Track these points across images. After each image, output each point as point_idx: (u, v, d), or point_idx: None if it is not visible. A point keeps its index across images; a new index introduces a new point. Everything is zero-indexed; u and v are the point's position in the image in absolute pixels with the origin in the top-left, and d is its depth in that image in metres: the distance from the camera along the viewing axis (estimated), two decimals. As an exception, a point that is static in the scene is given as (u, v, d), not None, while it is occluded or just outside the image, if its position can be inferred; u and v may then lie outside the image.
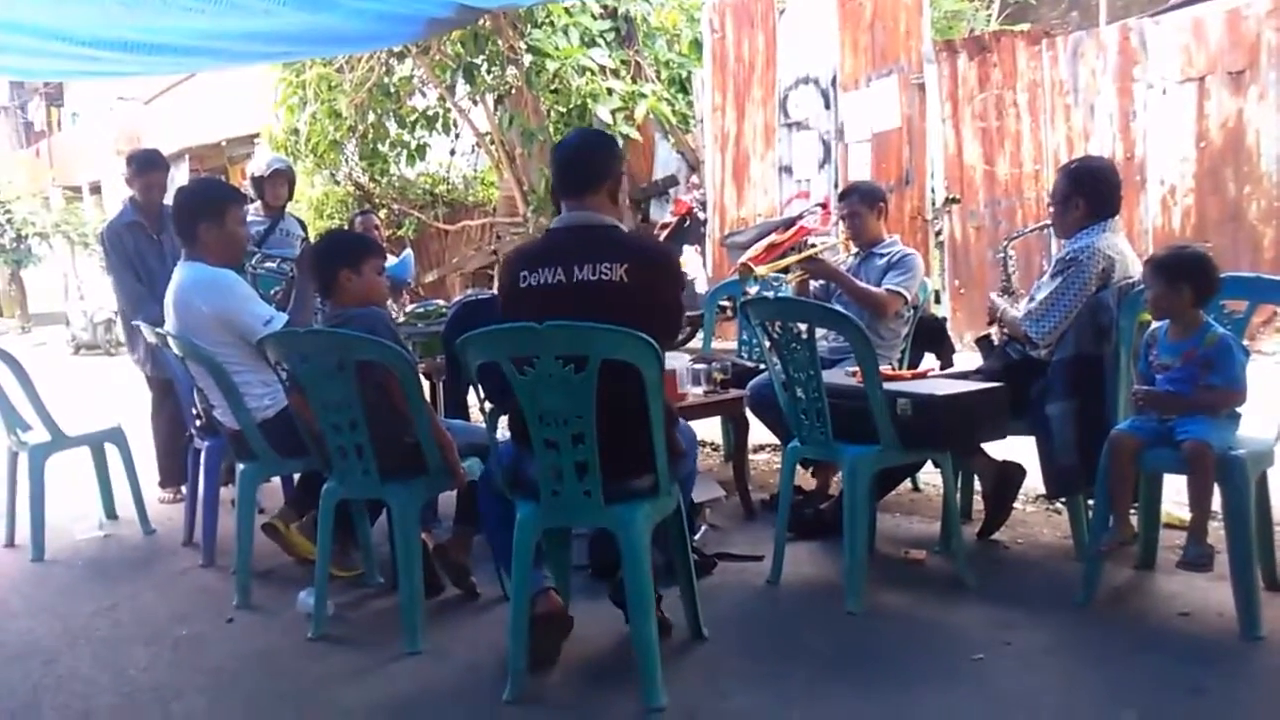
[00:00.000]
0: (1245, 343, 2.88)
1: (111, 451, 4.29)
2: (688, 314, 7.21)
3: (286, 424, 3.21)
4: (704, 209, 8.74)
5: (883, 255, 4.07)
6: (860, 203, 4.11)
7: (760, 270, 4.19)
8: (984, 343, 3.66)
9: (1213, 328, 2.78)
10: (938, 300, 7.01)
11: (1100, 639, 2.72)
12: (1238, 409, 2.81)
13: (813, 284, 4.12)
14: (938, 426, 3.02)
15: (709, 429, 4.91)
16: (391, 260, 5.62)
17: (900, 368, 3.89)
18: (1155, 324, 2.92)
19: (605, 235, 2.57)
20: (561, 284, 2.47)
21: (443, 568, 3.15)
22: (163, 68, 7.00)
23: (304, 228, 5.32)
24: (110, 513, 4.38)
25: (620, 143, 6.58)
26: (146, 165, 4.60)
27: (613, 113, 8.41)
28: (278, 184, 5.02)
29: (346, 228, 6.00)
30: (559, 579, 2.78)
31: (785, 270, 4.26)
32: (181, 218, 3.47)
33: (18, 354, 4.12)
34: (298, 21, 4.26)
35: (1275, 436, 2.83)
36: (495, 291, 2.76)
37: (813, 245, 4.71)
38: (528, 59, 8.48)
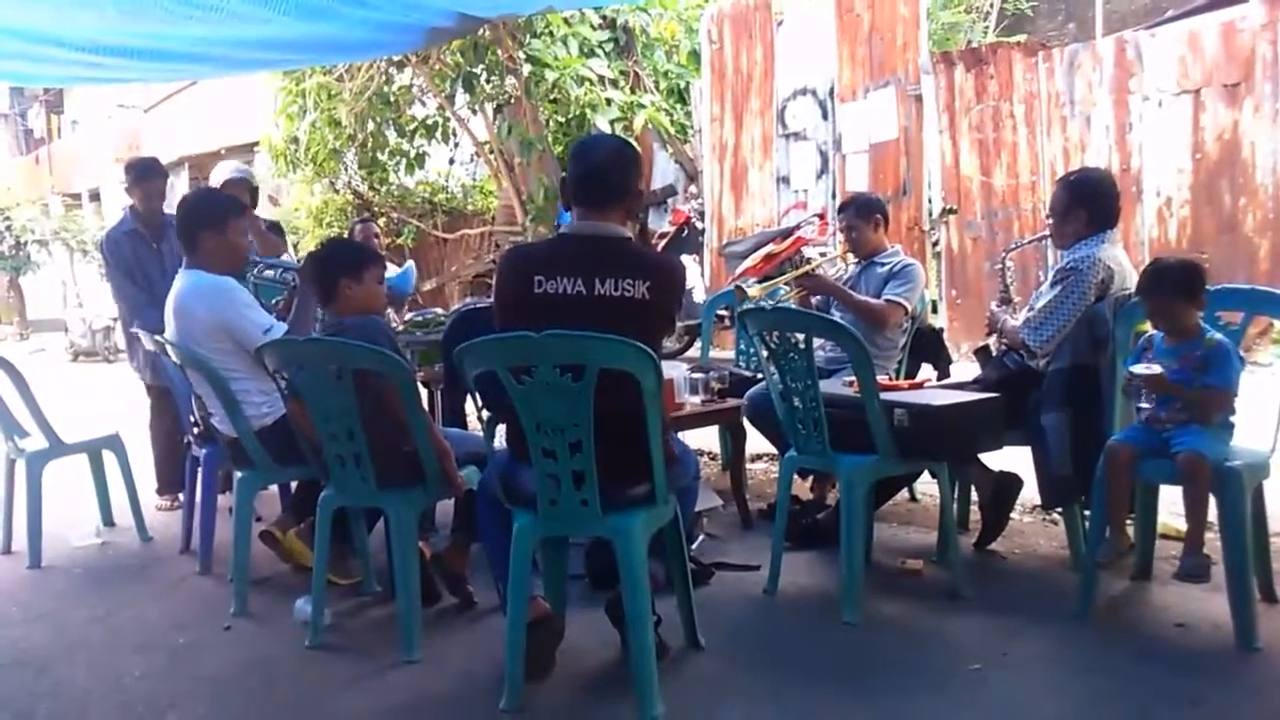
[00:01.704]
0: (1241, 354, 2.89)
1: (109, 459, 4.28)
2: (686, 323, 7.26)
3: (284, 432, 3.21)
4: (702, 218, 8.76)
5: (883, 265, 4.08)
6: (857, 216, 4.12)
7: (753, 291, 4.19)
8: (982, 353, 3.67)
9: (1210, 332, 2.80)
10: (935, 310, 7.03)
11: (1097, 649, 2.72)
12: (1231, 419, 2.82)
13: (813, 298, 4.13)
14: (934, 437, 3.03)
15: (706, 438, 4.92)
16: (394, 271, 5.63)
17: (897, 378, 3.90)
18: (1151, 331, 2.93)
19: (623, 249, 2.57)
20: (582, 295, 2.46)
21: (440, 576, 3.15)
22: (163, 74, 7.04)
23: (280, 231, 5.25)
24: (107, 520, 4.37)
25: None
26: (145, 173, 4.60)
27: (611, 123, 8.44)
28: (237, 193, 4.94)
29: (347, 236, 6.00)
30: (556, 588, 2.78)
31: (772, 292, 4.26)
32: (184, 226, 3.49)
33: (16, 361, 4.11)
34: (297, 30, 4.29)
35: (1271, 448, 2.84)
36: (493, 293, 2.73)
37: (809, 260, 4.72)
38: (527, 69, 8.52)
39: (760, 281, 4.44)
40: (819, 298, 4.14)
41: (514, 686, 2.46)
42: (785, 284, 4.19)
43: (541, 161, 9.21)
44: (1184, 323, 2.80)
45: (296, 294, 3.68)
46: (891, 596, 3.17)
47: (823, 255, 4.87)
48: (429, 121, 10.04)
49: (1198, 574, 2.74)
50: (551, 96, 8.74)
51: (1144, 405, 2.84)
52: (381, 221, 10.58)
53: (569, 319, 2.35)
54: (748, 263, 6.65)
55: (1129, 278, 3.26)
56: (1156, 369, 2.76)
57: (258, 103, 11.53)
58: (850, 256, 4.26)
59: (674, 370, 3.68)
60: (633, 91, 8.98)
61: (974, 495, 3.72)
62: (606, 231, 2.56)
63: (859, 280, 4.12)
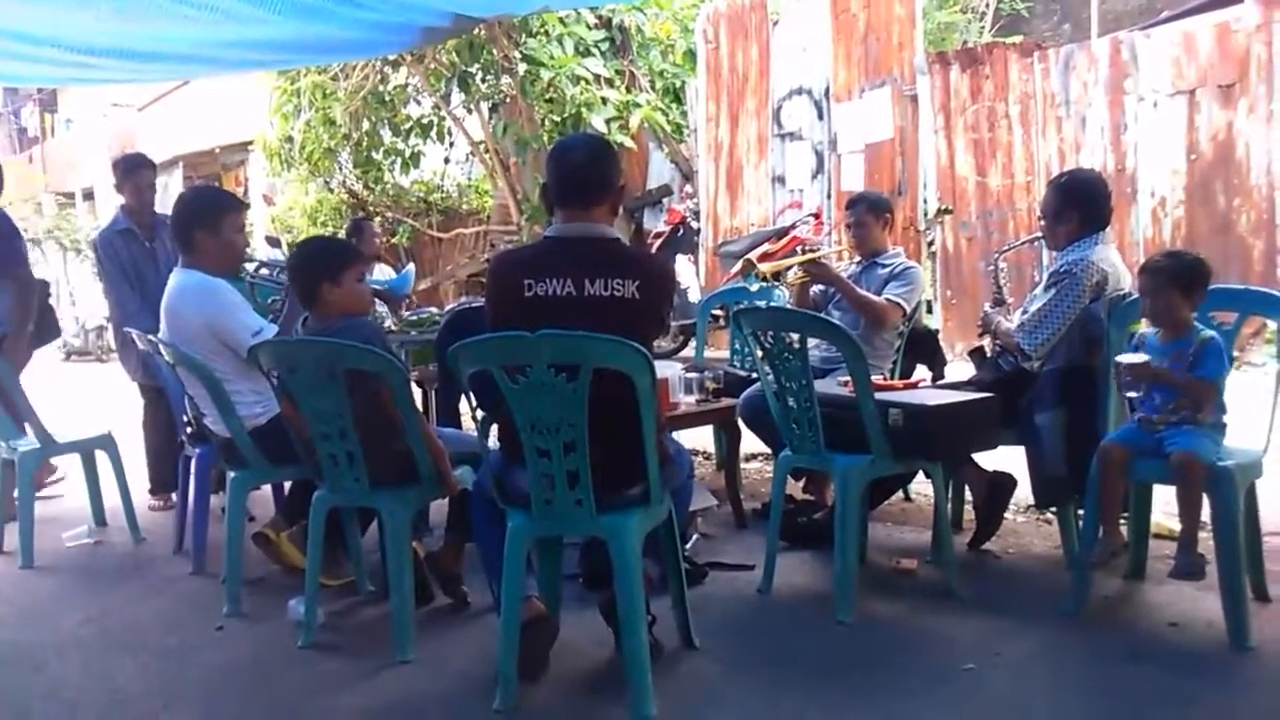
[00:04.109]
0: (1235, 354, 2.90)
1: (102, 458, 4.27)
2: (681, 323, 7.27)
3: (277, 432, 3.20)
4: (697, 218, 8.77)
5: (885, 266, 4.08)
6: (868, 212, 4.12)
7: (764, 268, 4.18)
8: (976, 354, 3.67)
9: (1202, 330, 2.81)
10: (930, 311, 7.04)
11: (1090, 649, 2.73)
12: (1223, 419, 2.83)
13: (813, 289, 4.13)
14: (929, 436, 3.03)
15: (701, 437, 4.92)
16: (389, 274, 5.62)
17: (892, 378, 3.90)
18: (1144, 328, 2.94)
19: (612, 250, 2.58)
20: (572, 296, 2.46)
21: (434, 576, 3.15)
22: (157, 75, 7.02)
23: (277, 244, 5.23)
24: (100, 520, 4.36)
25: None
26: (133, 167, 4.59)
27: (607, 122, 8.43)
28: None
29: (345, 234, 5.96)
30: (550, 588, 2.78)
31: (778, 274, 4.26)
32: (179, 225, 3.48)
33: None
34: (292, 30, 4.28)
35: (1263, 448, 2.85)
36: (484, 298, 2.73)
37: (814, 249, 4.71)
38: (522, 68, 8.51)
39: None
40: (818, 290, 4.13)
41: (507, 686, 2.45)
42: (791, 267, 4.17)
43: (537, 161, 9.19)
44: (1176, 313, 2.80)
45: (289, 293, 3.66)
46: (885, 596, 3.17)
47: (821, 253, 4.87)
48: (424, 121, 10.02)
49: (1192, 573, 2.74)
50: (547, 96, 8.73)
51: (1133, 394, 2.85)
52: (376, 220, 10.55)
53: (560, 321, 2.35)
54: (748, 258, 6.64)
55: (1123, 279, 3.26)
56: (1143, 357, 2.78)
57: (252, 101, 11.49)
58: (849, 255, 4.26)
59: (669, 370, 3.68)
60: (628, 91, 8.97)
61: (968, 495, 3.72)
62: (594, 232, 2.56)
63: (860, 279, 4.11)
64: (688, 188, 9.14)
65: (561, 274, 2.47)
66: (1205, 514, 2.78)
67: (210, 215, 3.44)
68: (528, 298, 2.48)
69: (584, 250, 2.53)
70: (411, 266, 5.99)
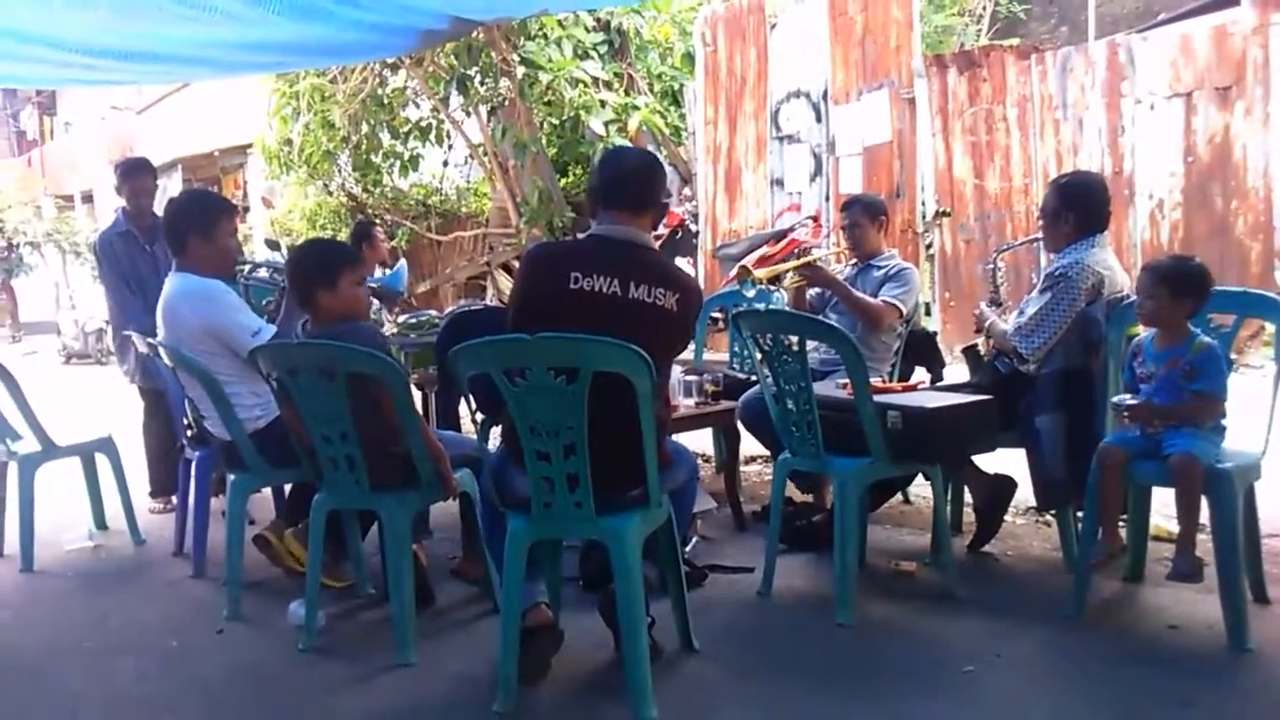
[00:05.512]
0: (1233, 356, 2.91)
1: (102, 461, 4.27)
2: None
3: (277, 434, 3.20)
4: (696, 221, 8.77)
5: (880, 268, 4.09)
6: (862, 214, 4.13)
7: (759, 274, 4.19)
8: (970, 352, 3.68)
9: (1199, 336, 2.81)
10: (928, 313, 7.04)
11: (1089, 651, 2.73)
12: (1223, 421, 2.83)
13: (809, 292, 4.13)
14: (927, 439, 3.03)
15: (700, 440, 4.92)
16: (385, 272, 5.62)
17: (891, 380, 3.91)
18: (1141, 334, 2.95)
19: (655, 259, 2.63)
20: (617, 296, 2.48)
21: (473, 585, 3.20)
22: (156, 77, 7.02)
23: (276, 247, 5.23)
24: (100, 523, 4.36)
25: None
26: (132, 172, 4.60)
27: (605, 124, 8.44)
28: None
29: (351, 240, 5.92)
30: (551, 591, 2.78)
31: (778, 278, 4.26)
32: (171, 229, 3.48)
33: (8, 363, 4.10)
34: (291, 31, 4.27)
35: (1262, 450, 2.85)
36: (512, 288, 2.74)
37: (810, 249, 4.71)
38: (521, 71, 8.52)
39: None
40: (814, 293, 4.14)
41: (507, 688, 2.46)
42: (787, 271, 4.18)
43: (535, 164, 9.20)
44: (1169, 316, 2.81)
45: (285, 295, 3.66)
46: (885, 598, 3.18)
47: (818, 255, 4.87)
48: (423, 124, 10.02)
49: (1190, 575, 2.75)
50: (546, 99, 8.74)
51: (1134, 434, 2.86)
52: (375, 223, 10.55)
53: (602, 318, 2.38)
54: (744, 262, 6.64)
55: (1120, 281, 3.27)
56: (1138, 398, 2.80)
57: (252, 104, 11.49)
58: (845, 258, 4.27)
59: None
60: (627, 94, 8.97)
61: (968, 497, 3.73)
62: (640, 239, 2.60)
63: (855, 282, 4.12)
64: (686, 190, 9.15)
65: (608, 272, 2.48)
66: (1204, 516, 2.78)
67: (203, 219, 3.45)
68: (573, 289, 2.48)
69: (629, 254, 2.55)
70: (403, 262, 5.98)
